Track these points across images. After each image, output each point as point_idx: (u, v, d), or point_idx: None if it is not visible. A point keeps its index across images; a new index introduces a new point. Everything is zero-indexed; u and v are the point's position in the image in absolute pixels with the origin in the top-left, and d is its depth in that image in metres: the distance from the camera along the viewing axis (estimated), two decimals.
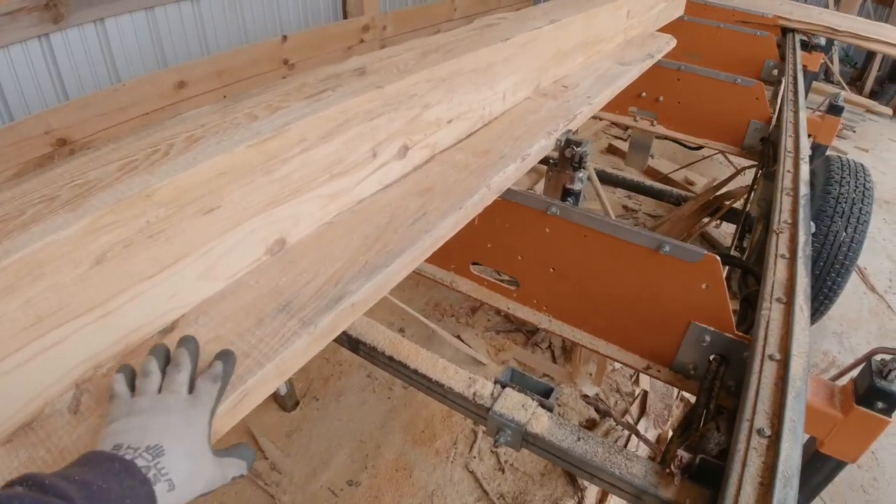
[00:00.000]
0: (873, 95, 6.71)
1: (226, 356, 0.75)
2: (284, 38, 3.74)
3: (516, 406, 1.08)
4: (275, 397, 2.36)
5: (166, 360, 0.74)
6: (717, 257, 1.16)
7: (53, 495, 0.52)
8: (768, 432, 0.89)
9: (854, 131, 5.74)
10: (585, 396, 2.39)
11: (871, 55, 6.81)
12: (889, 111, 6.21)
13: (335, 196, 1.02)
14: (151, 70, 3.26)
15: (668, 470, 0.95)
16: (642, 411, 2.41)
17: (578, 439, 1.02)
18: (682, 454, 0.95)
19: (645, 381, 2.53)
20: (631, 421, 2.35)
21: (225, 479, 0.70)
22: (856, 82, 7.09)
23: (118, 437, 0.62)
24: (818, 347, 2.93)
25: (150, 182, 0.72)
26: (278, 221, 0.92)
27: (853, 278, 3.40)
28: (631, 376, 2.59)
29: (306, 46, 3.92)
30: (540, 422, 1.06)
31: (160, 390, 0.70)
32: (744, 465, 0.84)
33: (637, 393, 2.50)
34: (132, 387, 0.70)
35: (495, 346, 2.73)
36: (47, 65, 2.83)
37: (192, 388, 0.71)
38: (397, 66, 1.18)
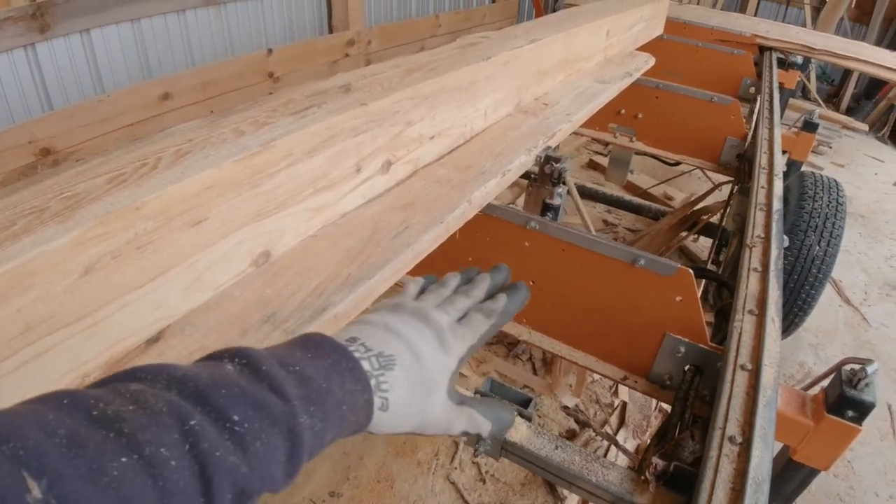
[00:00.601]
0: (850, 112, 6.86)
1: (515, 291, 0.70)
2: (270, 51, 3.77)
3: None
4: None
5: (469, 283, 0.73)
6: (691, 271, 1.19)
7: (268, 386, 0.43)
8: (740, 440, 0.91)
9: (831, 147, 5.87)
10: (565, 407, 2.42)
11: (847, 72, 6.97)
12: (865, 127, 6.35)
13: (320, 210, 1.04)
14: (136, 81, 3.27)
15: (643, 477, 0.98)
16: (621, 422, 2.44)
17: (556, 448, 1.05)
18: (657, 461, 0.98)
19: (624, 393, 2.56)
20: (610, 431, 2.38)
21: (449, 428, 0.63)
22: (832, 99, 7.25)
23: (363, 330, 0.57)
24: (794, 359, 2.98)
25: (138, 195, 0.73)
26: (264, 234, 0.93)
27: (829, 291, 3.47)
28: (610, 387, 2.62)
29: (291, 60, 3.95)
30: (519, 431, 1.08)
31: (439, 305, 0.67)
32: (716, 471, 0.87)
33: (616, 404, 2.53)
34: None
35: (476, 359, 2.74)
36: (32, 74, 2.83)
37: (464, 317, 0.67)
38: (381, 83, 1.21)
